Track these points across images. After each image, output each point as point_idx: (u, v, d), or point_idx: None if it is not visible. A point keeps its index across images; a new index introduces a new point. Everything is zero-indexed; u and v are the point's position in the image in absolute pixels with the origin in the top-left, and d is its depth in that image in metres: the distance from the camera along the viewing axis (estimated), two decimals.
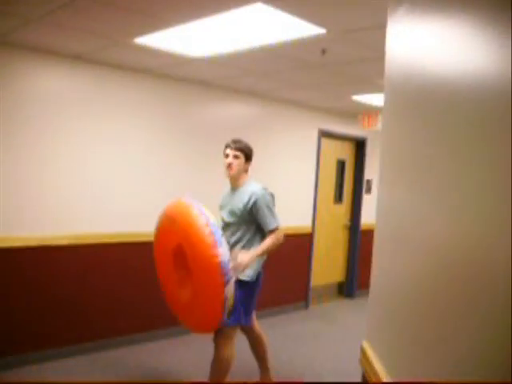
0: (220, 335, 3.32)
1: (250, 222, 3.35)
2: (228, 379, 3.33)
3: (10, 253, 3.87)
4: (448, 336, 1.19)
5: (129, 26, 3.19)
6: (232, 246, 3.37)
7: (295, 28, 2.98)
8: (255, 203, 3.30)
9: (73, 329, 4.25)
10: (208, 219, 3.03)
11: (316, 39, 3.16)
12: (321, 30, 2.99)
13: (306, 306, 6.24)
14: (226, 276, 2.95)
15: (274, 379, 3.78)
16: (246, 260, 3.14)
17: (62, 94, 4.11)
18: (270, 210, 3.32)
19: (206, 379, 3.43)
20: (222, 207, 3.56)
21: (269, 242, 3.28)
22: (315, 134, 6.18)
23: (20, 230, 3.92)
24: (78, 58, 4.11)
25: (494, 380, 1.04)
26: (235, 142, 3.46)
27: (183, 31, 3.20)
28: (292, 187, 5.93)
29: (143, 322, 4.63)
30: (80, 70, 4.19)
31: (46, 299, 4.09)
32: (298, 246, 6.10)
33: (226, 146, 3.46)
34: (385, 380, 1.66)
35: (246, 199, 3.33)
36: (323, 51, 3.43)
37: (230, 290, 3.03)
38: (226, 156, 3.43)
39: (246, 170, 3.47)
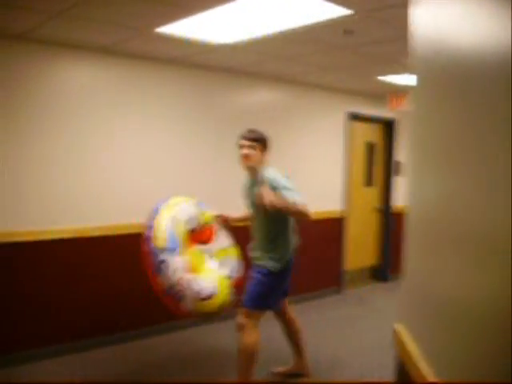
0: (242, 317, 3.34)
1: (273, 213, 3.30)
2: (255, 363, 3.35)
3: (46, 245, 3.98)
4: (483, 322, 1.17)
5: (151, 16, 3.19)
6: (260, 242, 3.41)
7: (321, 10, 2.93)
8: (272, 189, 3.25)
9: (110, 318, 4.35)
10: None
11: (342, 20, 3.10)
12: (347, 11, 2.93)
13: (339, 291, 6.22)
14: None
15: (309, 365, 3.79)
16: (270, 197, 3.08)
17: (88, 87, 4.16)
18: (289, 189, 3.20)
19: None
20: (244, 198, 3.57)
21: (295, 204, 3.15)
22: (343, 117, 6.10)
23: (51, 224, 4.02)
24: (101, 51, 4.14)
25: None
26: (250, 132, 3.42)
27: (206, 18, 3.18)
28: (321, 172, 5.89)
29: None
30: (104, 63, 4.23)
31: (82, 290, 4.20)
32: (330, 231, 6.08)
33: (241, 137, 3.41)
34: (419, 363, 1.64)
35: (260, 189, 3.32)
36: (348, 32, 3.37)
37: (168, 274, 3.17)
38: (242, 147, 3.39)
39: (262, 161, 3.41)
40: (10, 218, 3.80)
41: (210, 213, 3.61)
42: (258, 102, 5.34)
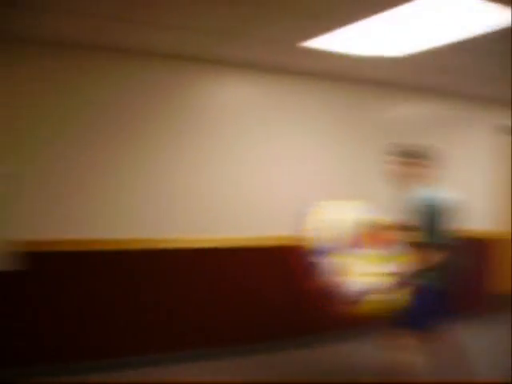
0: (398, 337, 3.27)
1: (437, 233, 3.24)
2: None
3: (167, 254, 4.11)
4: None
5: (299, 30, 3.22)
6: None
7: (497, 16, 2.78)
8: (425, 212, 3.20)
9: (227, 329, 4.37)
10: None
11: None
12: None
13: (492, 315, 5.77)
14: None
15: None
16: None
17: (238, 101, 4.36)
18: (434, 220, 3.18)
19: None
20: (406, 212, 3.48)
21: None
22: (495, 130, 5.71)
23: (200, 232, 4.19)
24: (247, 66, 4.28)
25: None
26: (408, 148, 3.38)
27: (357, 30, 3.16)
28: (471, 188, 5.54)
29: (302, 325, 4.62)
30: (250, 78, 4.41)
31: (230, 298, 4.33)
32: (485, 251, 5.71)
33: (400, 155, 3.37)
34: None
35: (420, 207, 3.24)
36: None
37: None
38: (400, 164, 3.35)
39: (423, 176, 3.34)
40: (158, 226, 4.03)
41: (380, 218, 3.56)
42: (407, 115, 5.20)
